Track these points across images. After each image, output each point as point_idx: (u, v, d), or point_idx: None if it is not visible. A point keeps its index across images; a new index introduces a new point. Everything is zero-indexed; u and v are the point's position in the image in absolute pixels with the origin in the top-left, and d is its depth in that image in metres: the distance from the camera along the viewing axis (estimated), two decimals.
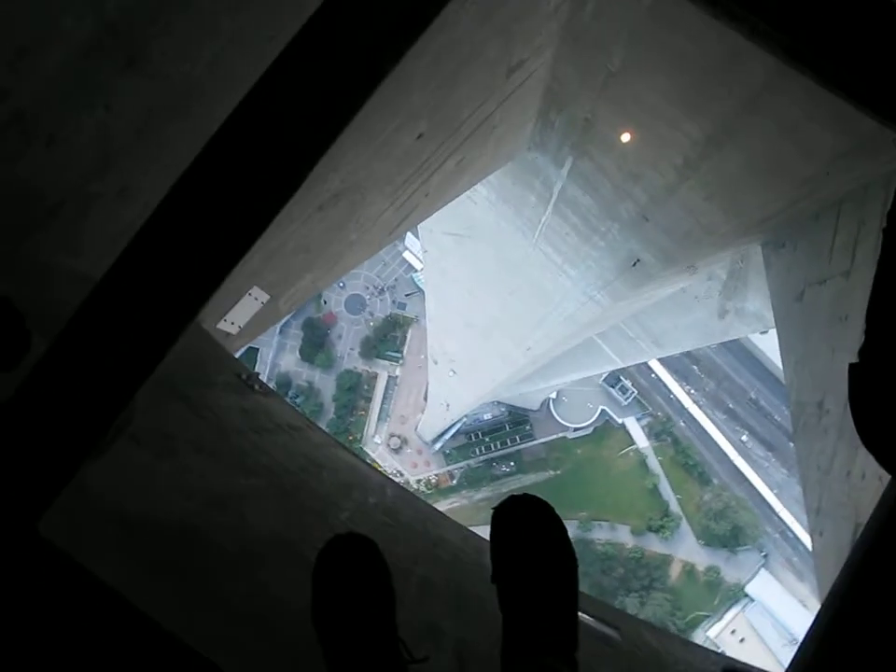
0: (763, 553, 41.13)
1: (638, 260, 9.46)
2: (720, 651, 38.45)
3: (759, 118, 5.32)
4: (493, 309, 18.64)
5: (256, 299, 5.04)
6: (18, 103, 2.14)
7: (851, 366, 1.10)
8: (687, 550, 42.13)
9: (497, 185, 11.67)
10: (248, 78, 2.90)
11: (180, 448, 2.35)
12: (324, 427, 42.49)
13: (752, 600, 40.41)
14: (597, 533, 42.47)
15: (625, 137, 7.33)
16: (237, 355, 6.11)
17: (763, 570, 40.87)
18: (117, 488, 1.77)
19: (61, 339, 1.29)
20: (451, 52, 4.49)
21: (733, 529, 40.55)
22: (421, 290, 37.87)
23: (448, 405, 36.74)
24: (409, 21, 1.48)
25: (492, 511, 1.83)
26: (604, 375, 38.99)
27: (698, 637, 40.07)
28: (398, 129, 4.77)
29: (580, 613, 1.76)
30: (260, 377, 4.29)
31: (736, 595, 40.75)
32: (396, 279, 44.46)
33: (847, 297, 4.97)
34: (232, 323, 4.99)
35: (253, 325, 5.32)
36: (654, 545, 42.27)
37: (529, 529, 1.78)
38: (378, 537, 1.82)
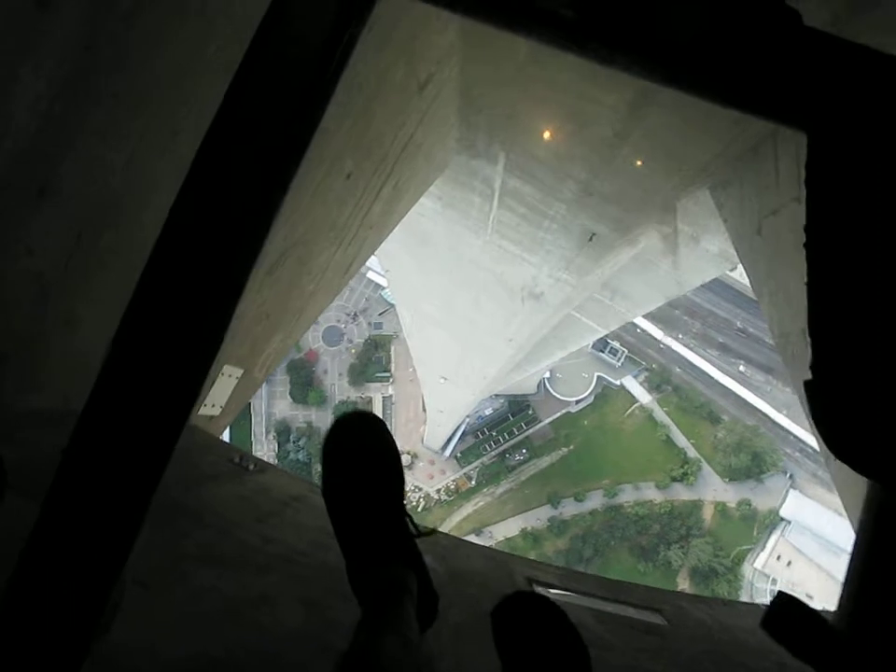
0: (788, 475, 41.32)
1: (594, 234, 9.51)
2: (770, 578, 38.74)
3: None
4: (466, 310, 18.64)
5: (230, 376, 5.00)
6: None
7: (806, 383, 1.10)
8: (714, 490, 42.33)
9: (439, 194, 11.67)
10: (167, 176, 2.89)
11: (188, 569, 2.33)
12: None
13: (789, 522, 40.62)
14: (624, 497, 42.62)
15: (550, 122, 7.35)
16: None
17: (792, 491, 41.06)
18: (133, 639, 1.75)
19: (43, 520, 1.27)
20: (359, 89, 4.48)
21: (753, 459, 40.76)
22: (393, 306, 37.87)
23: (447, 410, 36.76)
24: (321, 86, 1.47)
25: (490, 616, 1.78)
26: (591, 343, 39.18)
27: (746, 571, 40.36)
28: (326, 175, 4.75)
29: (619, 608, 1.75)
30: (253, 458, 4.26)
31: (773, 521, 40.95)
32: (366, 300, 44.45)
33: (803, 220, 4.97)
34: (213, 405, 4.95)
35: (233, 401, 5.28)
36: (682, 494, 42.45)
37: (532, 628, 1.74)
38: None
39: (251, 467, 4.14)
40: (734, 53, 1.31)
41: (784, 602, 1.17)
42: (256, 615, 2.26)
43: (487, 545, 40.80)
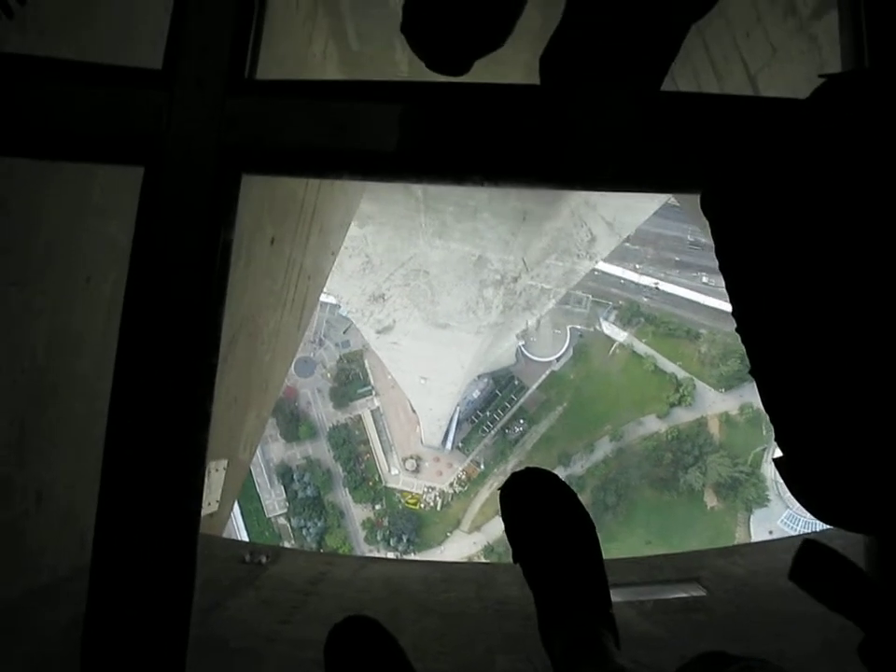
0: None
1: (526, 213, 9.54)
2: None
3: None
4: (425, 312, 18.66)
5: (217, 470, 4.96)
6: None
7: (776, 461, 1.10)
8: (713, 403, 42.73)
9: (366, 216, 11.65)
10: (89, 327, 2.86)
11: None
12: (341, 486, 42.49)
13: None
14: (630, 436, 42.92)
15: None
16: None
17: None
18: None
19: None
20: None
21: (741, 362, 41.01)
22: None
23: (436, 406, 36.82)
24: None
25: (498, 492, 1.84)
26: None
27: (767, 471, 40.72)
28: (249, 247, 4.71)
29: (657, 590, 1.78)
30: (262, 549, 4.23)
31: None
32: (326, 322, 44.31)
33: None
34: (209, 504, 4.91)
35: (227, 491, 5.24)
36: (684, 416, 42.81)
37: (538, 502, 1.79)
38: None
39: (263, 560, 4.11)
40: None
41: (811, 551, 1.17)
42: None
43: None
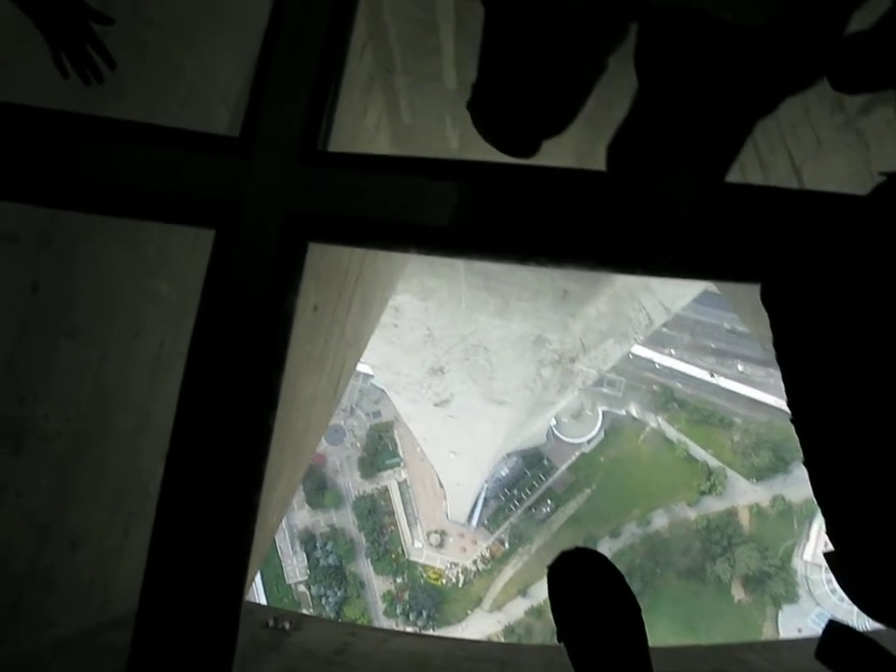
0: None
1: (566, 292, 9.60)
2: (822, 567, 38.16)
3: None
4: (459, 383, 18.62)
5: None
6: None
7: (826, 554, 1.10)
8: (745, 494, 42.01)
9: (430, 290, 11.73)
10: (135, 379, 2.90)
11: None
12: (363, 556, 42.15)
13: None
14: (658, 522, 42.25)
15: None
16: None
17: None
18: None
19: None
20: None
21: (774, 453, 40.54)
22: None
23: (464, 482, 36.54)
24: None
25: (546, 569, 1.80)
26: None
27: (797, 566, 39.81)
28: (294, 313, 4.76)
29: None
30: (286, 614, 4.20)
31: (810, 509, 40.39)
32: (359, 392, 44.43)
33: None
34: None
35: (254, 555, 5.22)
36: (714, 506, 42.09)
37: (586, 583, 1.76)
38: None
39: (287, 626, 4.08)
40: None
41: (836, 631, 1.15)
42: None
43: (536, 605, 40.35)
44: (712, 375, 43.36)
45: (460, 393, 19.83)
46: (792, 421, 1.16)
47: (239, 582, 1.48)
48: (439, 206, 1.63)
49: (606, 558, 1.81)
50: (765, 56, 0.97)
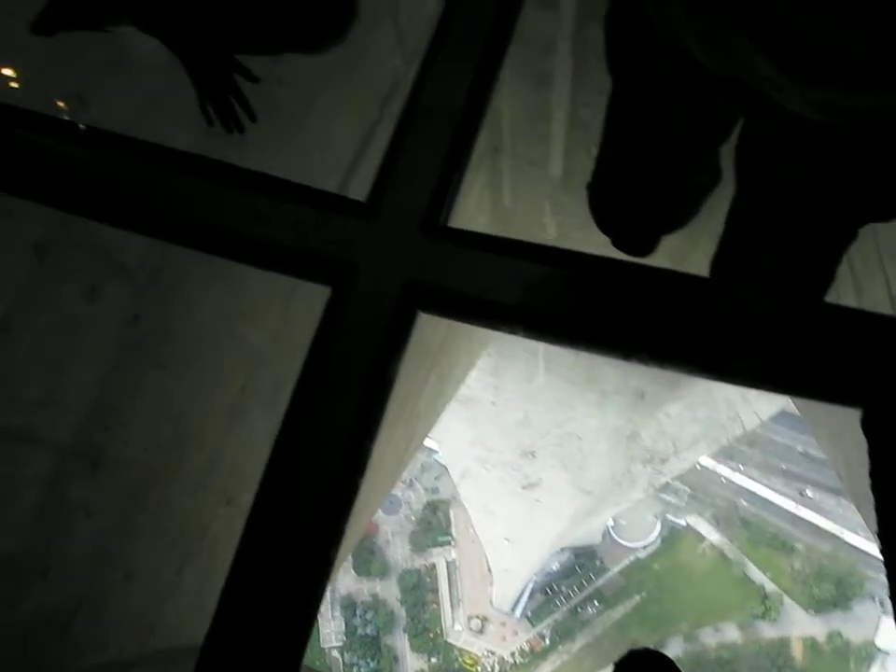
0: (877, 601, 38.98)
1: (643, 395, 9.67)
2: None
3: None
4: (525, 467, 18.59)
5: None
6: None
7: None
8: (800, 625, 40.19)
9: (532, 374, 11.82)
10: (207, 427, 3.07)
11: None
12: (401, 630, 41.40)
13: (887, 653, 37.92)
14: (706, 640, 40.60)
15: None
16: None
17: (884, 617, 38.60)
18: None
19: None
20: None
21: (837, 587, 38.77)
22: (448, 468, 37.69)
23: (513, 570, 35.98)
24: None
25: (613, 666, 1.80)
26: None
27: None
28: None
29: None
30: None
31: (869, 652, 38.21)
32: (421, 465, 44.24)
33: None
34: None
35: None
36: (767, 632, 40.34)
37: None
38: None
39: None
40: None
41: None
42: None
43: None
44: (779, 496, 42.15)
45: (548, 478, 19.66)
46: (881, 552, 1.20)
47: (304, 637, 1.48)
48: (552, 293, 1.69)
49: (673, 662, 1.84)
50: (853, 161, 1.00)
